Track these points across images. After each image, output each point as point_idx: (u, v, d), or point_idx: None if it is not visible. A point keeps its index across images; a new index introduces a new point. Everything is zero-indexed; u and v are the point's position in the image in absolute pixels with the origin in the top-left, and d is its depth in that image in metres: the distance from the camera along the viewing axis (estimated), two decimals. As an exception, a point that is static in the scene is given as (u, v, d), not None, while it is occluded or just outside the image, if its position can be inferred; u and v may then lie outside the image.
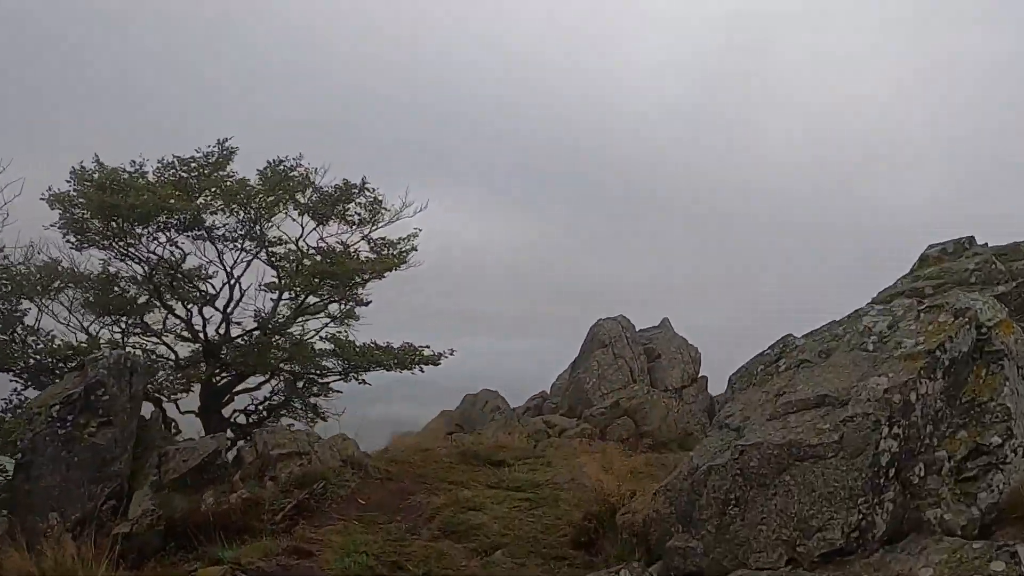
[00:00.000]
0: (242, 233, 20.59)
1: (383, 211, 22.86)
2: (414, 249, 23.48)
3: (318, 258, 21.82)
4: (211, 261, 21.61)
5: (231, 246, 20.91)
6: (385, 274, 22.21)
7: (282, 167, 21.16)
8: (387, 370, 22.17)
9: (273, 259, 22.07)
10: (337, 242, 22.61)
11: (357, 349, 22.78)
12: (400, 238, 23.42)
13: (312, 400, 23.75)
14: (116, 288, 21.23)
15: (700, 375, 23.45)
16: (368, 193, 22.48)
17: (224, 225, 20.30)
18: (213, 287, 22.11)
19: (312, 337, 23.37)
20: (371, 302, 23.70)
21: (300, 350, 21.55)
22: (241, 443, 19.43)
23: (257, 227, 20.59)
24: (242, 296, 22.38)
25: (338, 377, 23.23)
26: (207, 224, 20.23)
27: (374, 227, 22.98)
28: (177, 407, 22.08)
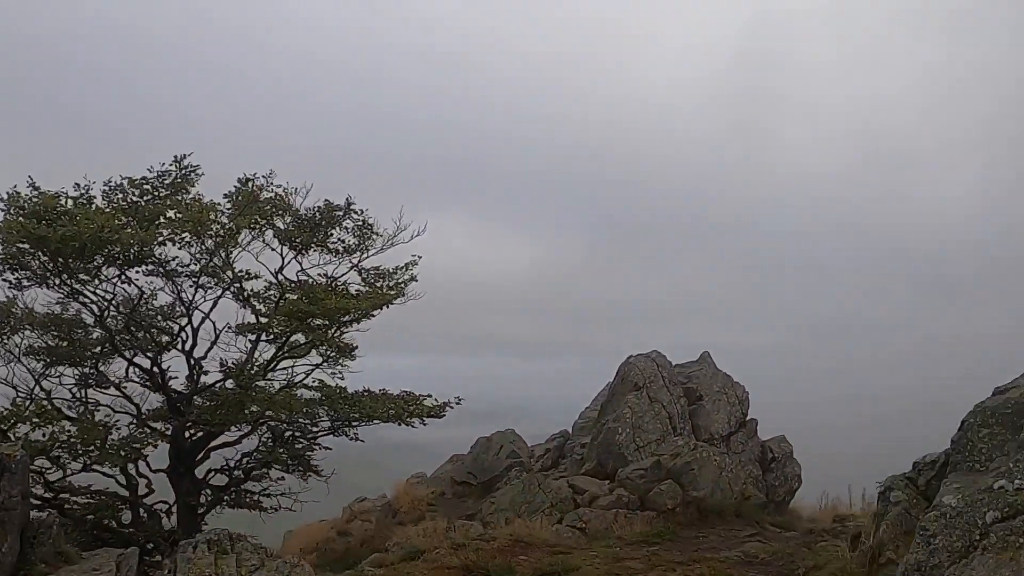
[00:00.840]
0: (201, 267, 17.31)
1: (374, 236, 19.61)
2: (413, 279, 20.28)
3: (295, 296, 18.53)
4: (178, 300, 18.44)
5: (189, 282, 17.68)
6: (374, 312, 18.97)
7: (250, 186, 17.88)
8: (383, 421, 18.81)
9: (244, 296, 18.82)
10: (321, 274, 19.36)
11: (347, 398, 19.46)
12: (397, 267, 20.21)
13: (306, 454, 20.38)
14: (74, 333, 18.17)
15: (748, 417, 19.98)
16: (355, 216, 19.24)
17: (175, 259, 16.98)
18: (181, 331, 18.90)
19: (296, 385, 20.13)
20: (356, 348, 20.61)
21: (277, 403, 18.18)
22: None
23: (216, 259, 17.29)
24: (215, 340, 19.19)
25: (326, 431, 19.91)
26: (161, 257, 16.98)
27: (364, 255, 19.74)
28: (148, 465, 18.91)
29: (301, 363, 20.33)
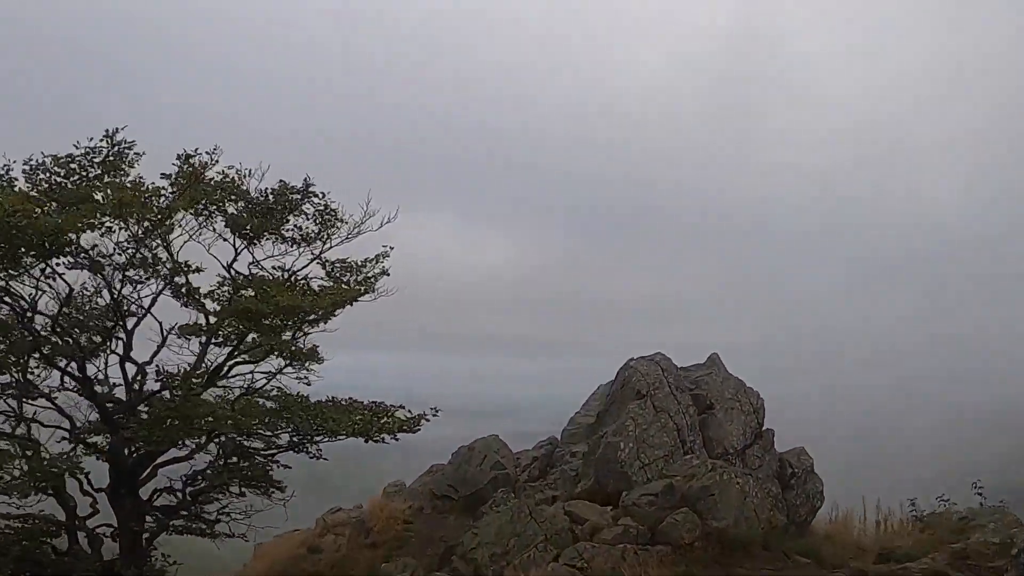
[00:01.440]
0: (128, 257, 14.79)
1: (338, 223, 17.17)
2: (384, 273, 17.89)
3: (245, 293, 16.06)
4: (109, 297, 15.88)
5: (119, 275, 15.14)
6: (337, 312, 16.56)
7: (191, 164, 15.34)
8: (348, 436, 16.34)
9: (185, 292, 16.32)
10: (276, 267, 16.88)
11: (308, 408, 16.98)
12: (367, 259, 17.80)
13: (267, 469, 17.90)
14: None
15: (764, 428, 17.62)
16: (315, 200, 16.79)
17: (94, 247, 14.43)
18: (111, 333, 16.34)
19: (255, 393, 17.73)
20: (317, 351, 18.20)
21: (220, 417, 15.66)
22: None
23: (144, 249, 14.79)
24: (162, 344, 16.69)
25: (283, 447, 17.40)
26: (85, 246, 14.43)
27: (326, 245, 17.29)
28: (89, 483, 16.67)
29: (263, 368, 17.92)
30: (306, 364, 18.36)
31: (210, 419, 15.72)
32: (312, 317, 16.58)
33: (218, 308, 16.78)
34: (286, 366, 18.11)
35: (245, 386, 17.86)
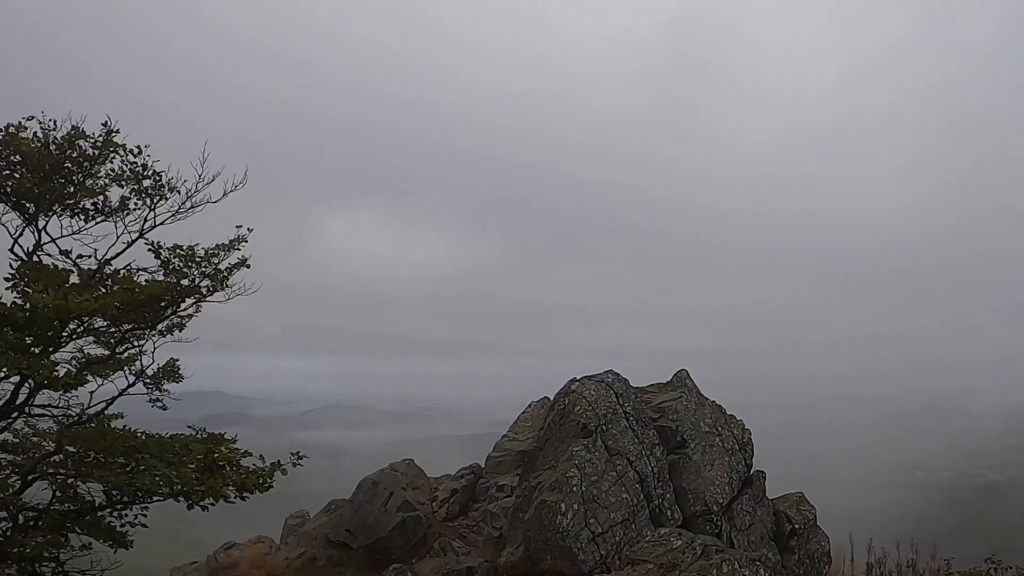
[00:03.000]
0: None
1: (163, 191, 12.17)
2: (244, 264, 13.08)
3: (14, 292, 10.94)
4: None
5: None
6: (184, 309, 11.89)
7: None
8: (163, 497, 11.23)
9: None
10: (65, 251, 11.79)
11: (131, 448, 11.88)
12: (218, 245, 12.97)
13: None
14: None
15: (753, 470, 12.98)
16: (126, 157, 11.73)
17: None
18: None
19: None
20: (176, 360, 14.12)
21: None
22: None
23: None
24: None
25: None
26: None
27: (149, 222, 12.29)
28: None
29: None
30: (160, 384, 14.16)
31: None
32: (100, 325, 11.59)
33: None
34: (129, 387, 13.61)
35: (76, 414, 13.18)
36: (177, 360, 14.39)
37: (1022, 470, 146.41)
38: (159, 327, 13.62)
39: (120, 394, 13.72)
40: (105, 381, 13.90)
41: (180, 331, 14.04)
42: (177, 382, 14.51)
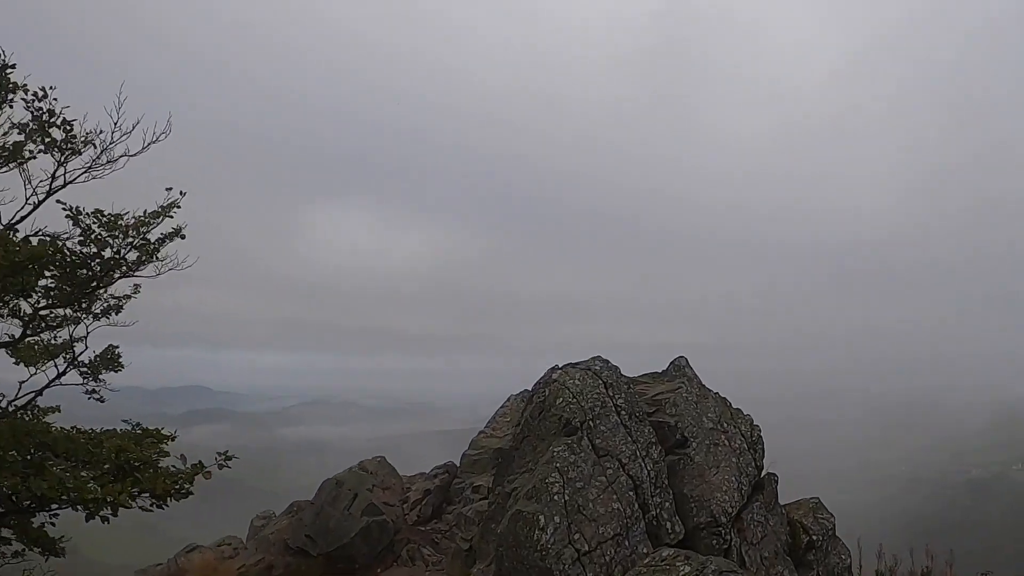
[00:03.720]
0: None
1: (75, 143, 10.36)
2: (178, 234, 11.39)
3: None
4: None
5: None
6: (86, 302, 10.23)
7: None
8: (64, 505, 9.39)
9: None
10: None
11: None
12: (148, 212, 11.28)
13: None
14: None
15: (764, 472, 11.21)
16: (26, 97, 9.94)
17: None
18: None
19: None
20: (115, 347, 12.78)
21: None
22: None
23: None
24: None
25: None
26: None
27: (58, 178, 10.54)
28: None
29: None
30: (97, 373, 12.75)
31: None
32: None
33: None
34: (60, 375, 12.23)
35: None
36: (117, 347, 13.09)
37: (1007, 467, 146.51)
38: (94, 309, 12.25)
39: (49, 384, 12.40)
40: (38, 371, 12.51)
41: (116, 314, 12.60)
42: (116, 371, 13.06)
